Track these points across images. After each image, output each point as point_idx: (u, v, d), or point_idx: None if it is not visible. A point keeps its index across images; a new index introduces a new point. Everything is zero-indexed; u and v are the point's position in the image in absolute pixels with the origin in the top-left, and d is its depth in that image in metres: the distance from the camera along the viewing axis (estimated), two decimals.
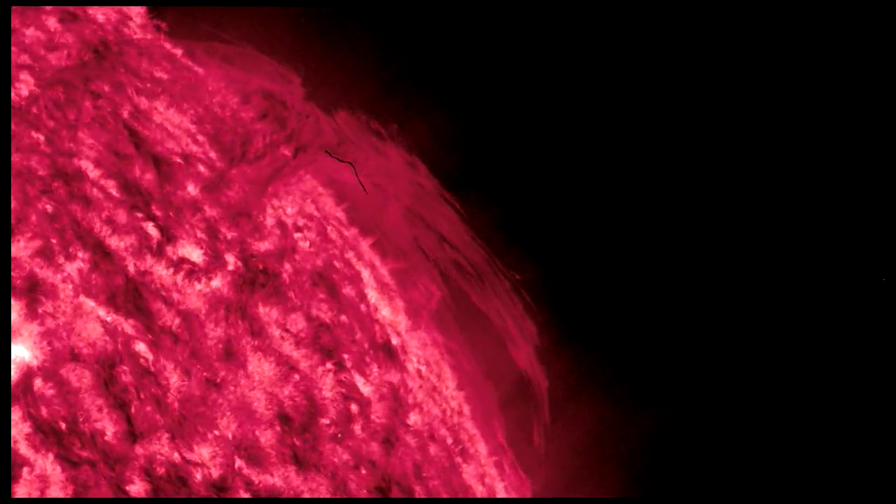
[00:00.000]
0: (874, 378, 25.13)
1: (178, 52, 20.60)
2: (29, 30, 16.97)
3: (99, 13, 19.43)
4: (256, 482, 13.10)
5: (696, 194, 26.31)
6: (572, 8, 26.84)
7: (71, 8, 18.43)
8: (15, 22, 16.74)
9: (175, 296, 14.16)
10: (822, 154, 26.00)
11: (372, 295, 19.45)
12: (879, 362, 25.00)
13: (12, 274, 12.73)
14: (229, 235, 16.04)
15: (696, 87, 26.74)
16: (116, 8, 20.26)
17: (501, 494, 20.05)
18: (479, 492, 18.57)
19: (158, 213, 15.09)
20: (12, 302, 12.41)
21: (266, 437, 13.63)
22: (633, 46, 26.81)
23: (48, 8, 17.98)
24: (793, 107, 26.29)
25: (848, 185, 25.66)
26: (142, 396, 12.71)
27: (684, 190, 26.35)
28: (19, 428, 11.54)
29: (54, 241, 13.48)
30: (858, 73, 25.60)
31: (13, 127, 14.61)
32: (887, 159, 25.25)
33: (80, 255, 13.58)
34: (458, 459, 18.26)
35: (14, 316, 12.28)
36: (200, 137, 17.92)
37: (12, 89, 15.29)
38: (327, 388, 15.31)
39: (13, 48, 16.19)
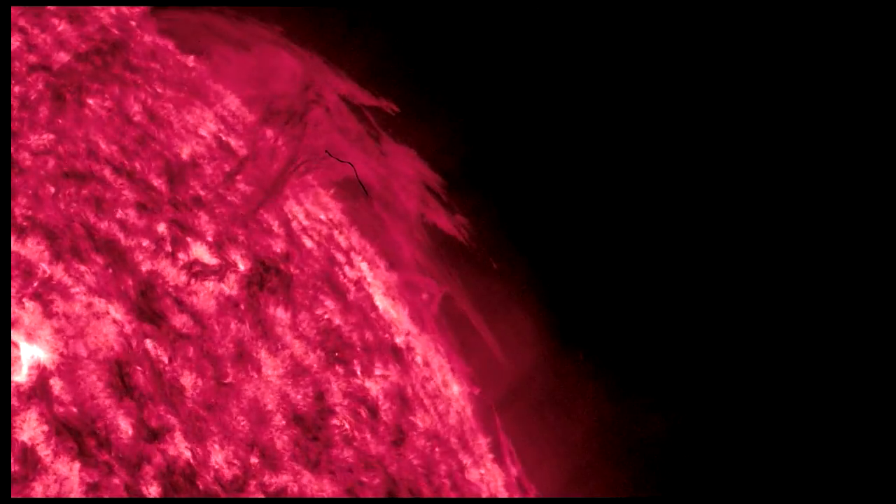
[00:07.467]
0: (868, 373, 25.27)
1: (185, 52, 20.66)
2: (37, 30, 17.00)
3: (104, 14, 19.46)
4: (269, 482, 13.18)
5: (699, 195, 26.43)
6: (571, 10, 26.94)
7: (77, 8, 18.45)
8: (24, 22, 16.77)
9: (187, 297, 14.23)
10: (821, 154, 26.14)
11: (376, 297, 19.56)
12: (877, 360, 25.14)
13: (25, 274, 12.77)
14: (239, 238, 16.12)
15: (693, 89, 26.85)
16: (121, 8, 20.29)
17: (502, 494, 20.13)
18: (482, 491, 18.66)
19: (170, 215, 15.15)
20: (27, 303, 12.45)
21: (278, 437, 13.71)
22: (630, 48, 26.92)
23: (55, 8, 18.00)
24: (791, 107, 26.42)
25: (848, 185, 25.80)
26: (155, 397, 12.78)
27: (686, 190, 26.47)
28: (36, 428, 11.57)
29: (67, 241, 13.52)
30: (858, 73, 25.75)
31: (24, 128, 14.64)
32: (887, 159, 25.39)
33: (93, 256, 13.63)
34: (462, 458, 18.36)
35: (29, 317, 12.31)
36: (209, 139, 17.99)
37: (23, 89, 15.33)
38: (337, 389, 15.40)
39: (22, 48, 16.22)
